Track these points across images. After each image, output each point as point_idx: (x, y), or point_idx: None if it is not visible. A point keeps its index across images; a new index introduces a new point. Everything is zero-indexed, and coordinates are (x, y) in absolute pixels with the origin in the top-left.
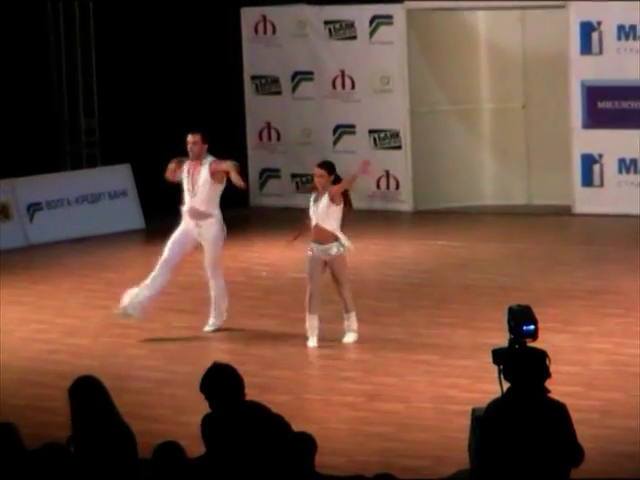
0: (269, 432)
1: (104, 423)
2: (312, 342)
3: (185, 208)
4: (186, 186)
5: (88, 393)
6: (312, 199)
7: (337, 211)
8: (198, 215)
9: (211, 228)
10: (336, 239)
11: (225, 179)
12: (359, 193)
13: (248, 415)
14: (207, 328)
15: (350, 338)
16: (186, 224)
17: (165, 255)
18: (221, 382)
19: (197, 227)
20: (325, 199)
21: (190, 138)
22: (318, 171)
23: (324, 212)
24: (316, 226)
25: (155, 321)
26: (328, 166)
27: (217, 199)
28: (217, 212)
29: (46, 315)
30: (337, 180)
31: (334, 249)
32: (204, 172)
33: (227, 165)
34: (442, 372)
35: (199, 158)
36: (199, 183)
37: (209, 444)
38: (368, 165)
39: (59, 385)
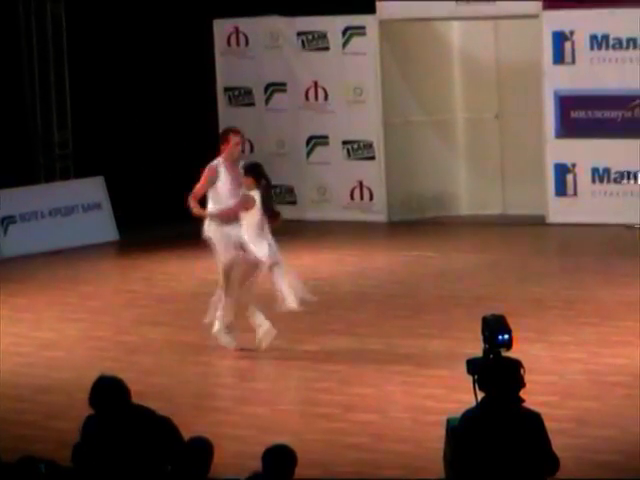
0: (154, 433)
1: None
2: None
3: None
4: (228, 186)
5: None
6: None
7: None
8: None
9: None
10: None
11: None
12: (333, 204)
13: (132, 417)
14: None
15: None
16: (223, 228)
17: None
18: (107, 393)
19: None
20: None
21: (237, 138)
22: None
23: None
24: None
25: (130, 334)
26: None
27: None
28: None
29: (21, 328)
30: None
31: None
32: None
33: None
34: (417, 382)
35: (238, 159)
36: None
37: (88, 445)
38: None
39: (36, 399)
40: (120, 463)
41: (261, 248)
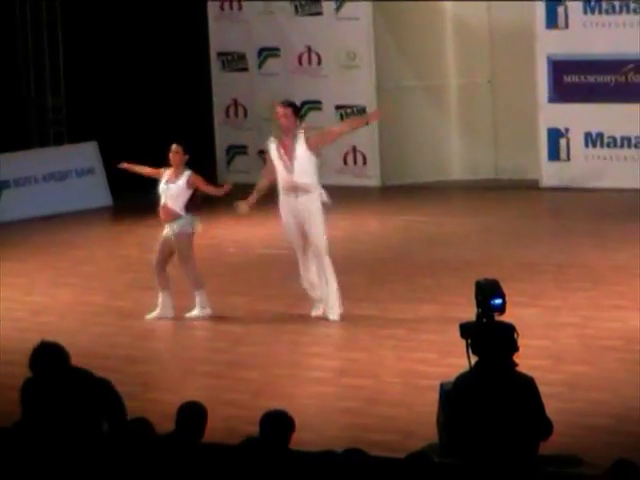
0: (91, 395)
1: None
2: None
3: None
4: (279, 160)
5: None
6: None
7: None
8: (299, 189)
9: (314, 202)
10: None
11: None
12: (326, 168)
13: (70, 380)
14: (332, 317)
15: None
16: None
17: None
18: (47, 358)
19: (297, 203)
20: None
21: (281, 110)
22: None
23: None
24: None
25: (124, 299)
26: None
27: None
28: (317, 185)
29: (14, 293)
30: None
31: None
32: (299, 146)
33: None
34: (410, 347)
35: (291, 131)
36: (297, 157)
37: (27, 408)
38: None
39: (27, 363)
40: (57, 423)
41: None
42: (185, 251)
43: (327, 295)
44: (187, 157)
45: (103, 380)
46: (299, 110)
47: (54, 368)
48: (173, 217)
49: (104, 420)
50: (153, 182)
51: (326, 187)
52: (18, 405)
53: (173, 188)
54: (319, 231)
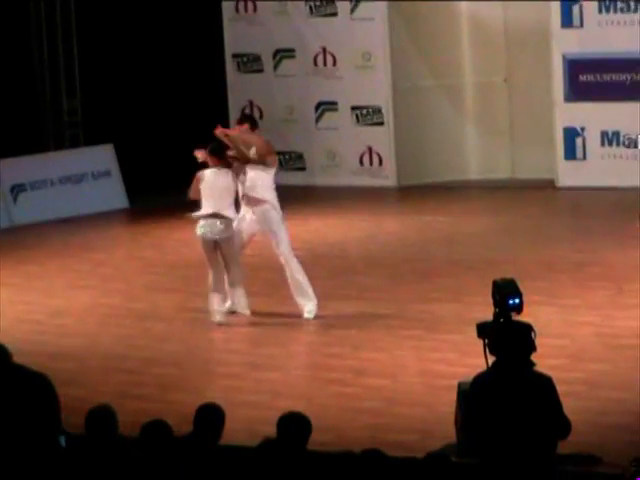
0: (29, 389)
1: None
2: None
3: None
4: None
5: None
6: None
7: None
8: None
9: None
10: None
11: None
12: (343, 170)
13: (11, 376)
14: (307, 315)
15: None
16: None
17: None
18: None
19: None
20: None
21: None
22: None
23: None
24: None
25: (142, 301)
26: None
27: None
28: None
29: (33, 296)
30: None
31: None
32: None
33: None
34: (429, 347)
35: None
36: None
37: None
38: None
39: (47, 366)
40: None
41: None
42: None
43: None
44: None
45: (40, 374)
46: (256, 124)
47: None
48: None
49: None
50: (169, 184)
51: (343, 188)
52: None
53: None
54: (282, 237)
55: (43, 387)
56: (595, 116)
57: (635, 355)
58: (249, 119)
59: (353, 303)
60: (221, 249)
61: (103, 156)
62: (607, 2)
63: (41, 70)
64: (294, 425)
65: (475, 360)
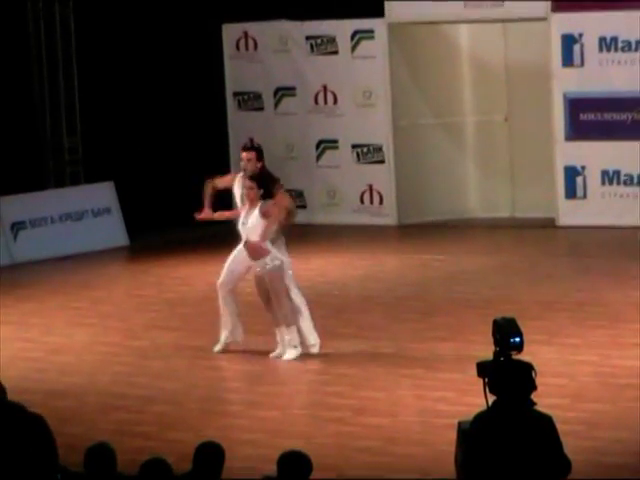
0: (24, 429)
1: None
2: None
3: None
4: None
5: None
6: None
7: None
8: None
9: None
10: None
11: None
12: (343, 208)
13: (5, 414)
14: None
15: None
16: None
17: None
18: None
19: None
20: (256, 214)
21: (244, 155)
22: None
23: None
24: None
25: (142, 338)
26: (257, 178)
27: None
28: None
29: (32, 333)
30: (267, 193)
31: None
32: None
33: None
34: (428, 385)
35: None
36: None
37: None
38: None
39: (47, 404)
40: None
41: None
42: (278, 285)
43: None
44: (262, 191)
45: (36, 416)
46: (262, 154)
47: None
48: (260, 255)
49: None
50: (169, 222)
51: (343, 226)
52: None
53: (250, 222)
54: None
55: (38, 426)
56: (596, 155)
57: (634, 395)
58: (257, 150)
59: (352, 341)
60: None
61: (103, 193)
62: (608, 41)
63: (42, 107)
64: (295, 463)
65: (475, 399)
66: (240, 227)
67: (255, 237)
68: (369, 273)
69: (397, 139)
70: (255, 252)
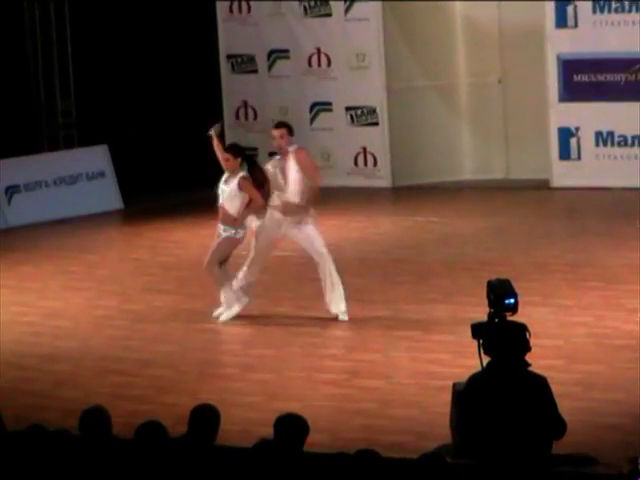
0: None
1: None
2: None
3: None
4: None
5: None
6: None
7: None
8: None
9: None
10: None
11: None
12: (337, 170)
13: None
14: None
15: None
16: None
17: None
18: None
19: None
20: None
21: (276, 132)
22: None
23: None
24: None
25: (136, 302)
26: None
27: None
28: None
29: (27, 297)
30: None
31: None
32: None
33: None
34: (424, 348)
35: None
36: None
37: None
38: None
39: (42, 367)
40: None
41: None
42: (220, 253)
43: (336, 297)
44: (239, 159)
45: None
46: (292, 129)
47: None
48: (227, 221)
49: None
50: (163, 185)
51: (337, 189)
52: (32, 410)
53: (226, 191)
54: (318, 242)
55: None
56: (589, 116)
57: (629, 356)
58: (287, 126)
59: (347, 304)
60: None
61: (97, 157)
62: (601, 2)
63: (35, 71)
64: (292, 426)
65: (470, 361)
66: (219, 192)
67: (231, 207)
68: (364, 235)
69: (391, 101)
70: (224, 217)
